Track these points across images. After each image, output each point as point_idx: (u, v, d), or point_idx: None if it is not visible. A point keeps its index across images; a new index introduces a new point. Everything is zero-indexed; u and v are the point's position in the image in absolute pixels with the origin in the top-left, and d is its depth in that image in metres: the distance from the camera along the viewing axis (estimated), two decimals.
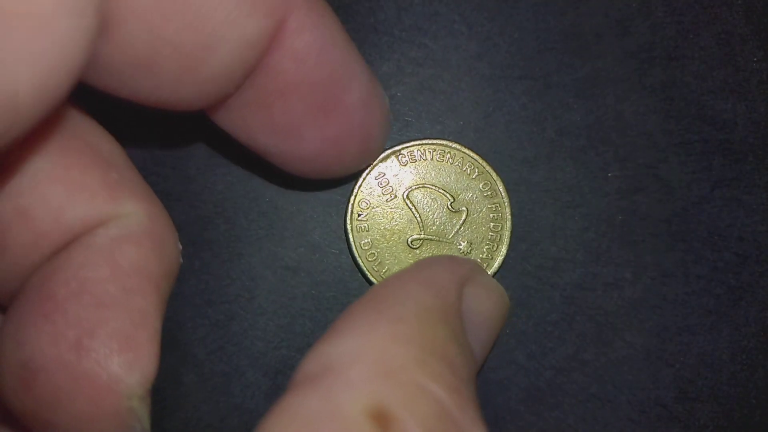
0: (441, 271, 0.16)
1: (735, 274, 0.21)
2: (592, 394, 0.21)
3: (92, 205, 0.15)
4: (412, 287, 0.15)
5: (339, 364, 0.13)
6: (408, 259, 0.20)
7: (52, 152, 0.15)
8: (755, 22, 0.21)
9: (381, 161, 0.20)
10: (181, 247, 0.17)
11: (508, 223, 0.20)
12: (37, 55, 0.11)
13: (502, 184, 0.20)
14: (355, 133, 0.17)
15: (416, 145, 0.20)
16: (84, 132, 0.16)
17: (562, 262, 0.21)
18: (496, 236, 0.20)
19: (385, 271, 0.20)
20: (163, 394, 0.21)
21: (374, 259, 0.20)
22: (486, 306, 0.16)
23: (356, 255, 0.20)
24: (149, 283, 0.15)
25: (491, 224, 0.20)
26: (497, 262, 0.20)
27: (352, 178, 0.20)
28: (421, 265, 0.16)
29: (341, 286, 0.21)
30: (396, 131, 0.21)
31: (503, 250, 0.20)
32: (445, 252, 0.20)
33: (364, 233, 0.20)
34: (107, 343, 0.14)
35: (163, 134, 0.21)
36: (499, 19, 0.21)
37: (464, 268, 0.16)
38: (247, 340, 0.21)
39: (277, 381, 0.21)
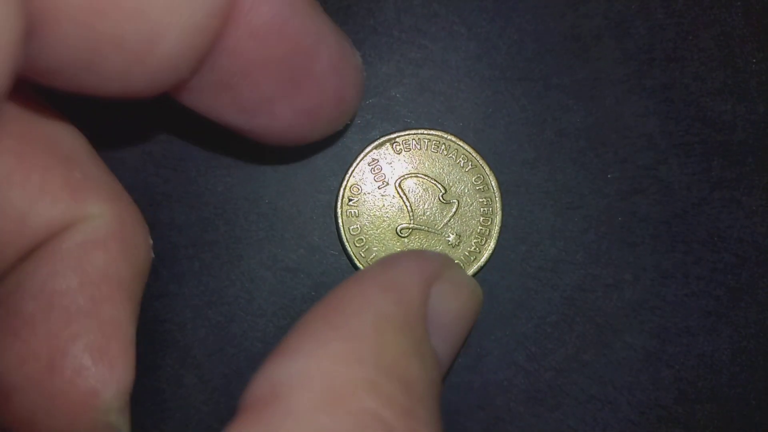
0: (405, 272, 0.15)
1: (735, 275, 0.21)
2: (592, 395, 0.21)
3: (55, 209, 0.15)
4: (371, 293, 0.14)
5: (286, 388, 0.12)
6: (396, 246, 0.20)
7: (7, 154, 0.14)
8: (754, 23, 0.21)
9: (375, 148, 0.20)
10: (152, 242, 0.16)
11: (498, 218, 0.20)
12: None
13: (494, 178, 0.20)
14: (328, 100, 0.16)
15: (411, 134, 0.20)
16: (42, 128, 0.15)
17: (562, 263, 0.21)
18: (486, 230, 0.20)
19: (373, 257, 0.20)
20: (163, 395, 0.21)
21: (362, 245, 0.20)
22: (455, 304, 0.16)
23: (344, 240, 0.20)
24: (119, 290, 0.15)
25: (481, 218, 0.20)
26: (485, 257, 0.20)
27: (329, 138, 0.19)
28: (385, 264, 0.15)
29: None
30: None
31: (491, 244, 0.20)
32: (433, 243, 0.20)
33: (354, 219, 0.20)
34: (80, 358, 0.14)
35: (163, 135, 0.21)
36: (498, 21, 0.21)
37: (432, 265, 0.15)
38: (247, 342, 0.21)
39: None
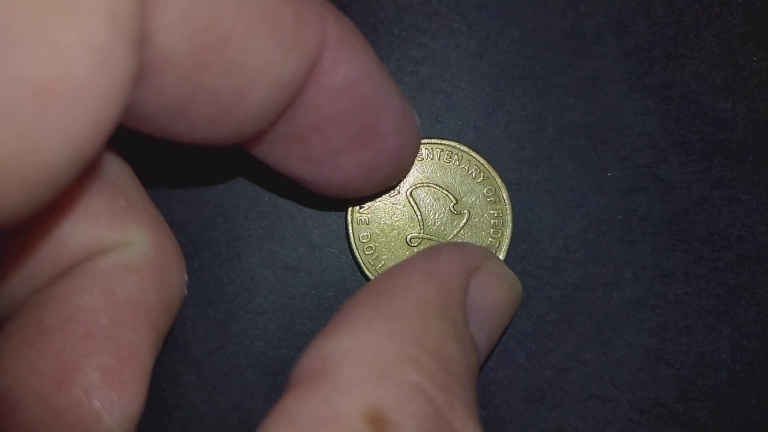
0: (447, 261, 0.16)
1: (735, 274, 0.21)
2: (592, 393, 0.21)
3: (96, 233, 0.15)
4: (414, 280, 0.15)
5: (336, 362, 0.13)
6: (405, 255, 0.20)
7: None
8: (755, 21, 0.21)
9: None
10: (187, 278, 0.16)
11: (509, 231, 0.20)
12: (76, 125, 0.10)
13: (506, 191, 0.20)
14: (389, 157, 0.17)
15: (425, 143, 0.20)
16: None
17: (562, 261, 0.21)
18: (495, 242, 0.20)
19: (381, 266, 0.20)
20: (163, 393, 0.21)
21: (371, 253, 0.20)
22: (495, 296, 0.16)
23: (354, 247, 0.20)
24: (144, 317, 0.14)
25: (491, 230, 0.20)
26: None
27: (384, 194, 0.20)
28: (428, 253, 0.16)
29: (341, 285, 0.21)
30: None
31: (501, 257, 0.20)
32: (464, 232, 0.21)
33: (364, 226, 0.20)
34: (91, 377, 0.13)
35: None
36: (498, 19, 0.21)
37: (473, 257, 0.16)
38: (247, 340, 0.21)
39: (277, 381, 0.21)
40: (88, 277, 0.14)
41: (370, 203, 0.20)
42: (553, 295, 0.21)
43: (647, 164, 0.21)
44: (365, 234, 0.20)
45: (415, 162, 0.20)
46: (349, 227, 0.20)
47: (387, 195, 0.20)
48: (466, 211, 0.20)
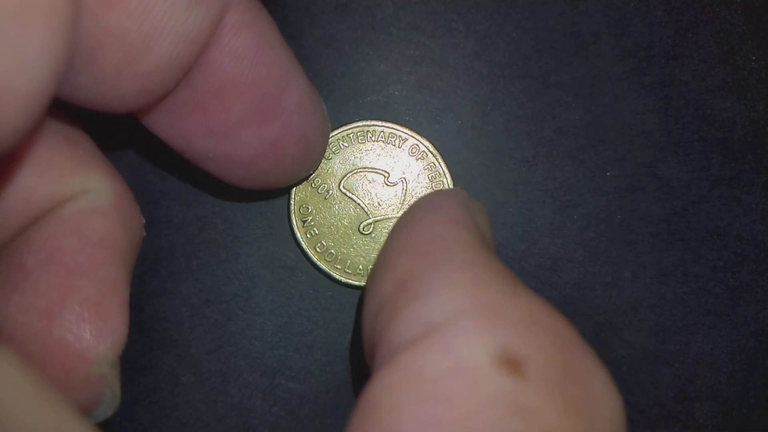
0: (453, 207, 0.16)
1: (734, 273, 0.21)
2: None
3: (61, 181, 0.16)
4: (444, 230, 0.15)
5: (441, 320, 0.12)
6: (366, 245, 0.20)
7: None
8: (754, 20, 0.21)
9: None
10: (144, 220, 0.17)
11: (448, 178, 0.20)
12: (52, 39, 0.11)
13: (428, 142, 0.20)
14: (293, 135, 0.17)
15: (334, 134, 0.20)
16: (49, 115, 0.16)
17: (561, 261, 0.21)
18: (439, 185, 0.20)
19: (349, 264, 0.20)
20: (161, 393, 0.21)
21: (333, 258, 0.20)
22: (485, 225, 0.16)
23: (316, 262, 0.20)
24: (117, 255, 0.15)
25: (432, 184, 0.20)
26: None
27: (292, 187, 0.20)
28: (430, 203, 0.16)
29: (339, 285, 0.21)
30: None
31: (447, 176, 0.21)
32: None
33: (316, 237, 0.20)
34: (78, 311, 0.14)
35: None
36: (497, 18, 0.21)
37: (462, 198, 0.16)
38: (245, 340, 0.21)
39: (275, 381, 0.21)
40: (60, 222, 0.15)
41: (311, 214, 0.20)
42: (552, 294, 0.21)
43: (646, 163, 0.21)
44: (321, 244, 0.20)
45: (333, 156, 0.20)
46: (303, 245, 0.20)
47: (322, 198, 0.20)
48: (400, 179, 0.21)
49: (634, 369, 0.21)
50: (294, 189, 0.20)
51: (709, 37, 0.21)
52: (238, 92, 0.16)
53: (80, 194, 0.16)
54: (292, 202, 0.20)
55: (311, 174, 0.20)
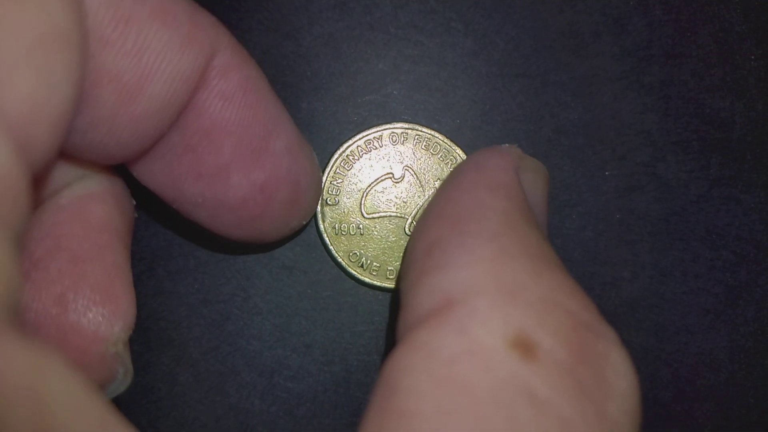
0: (498, 169, 0.15)
1: (733, 273, 0.21)
2: None
3: (58, 169, 0.16)
4: (483, 195, 0.14)
5: (461, 294, 0.12)
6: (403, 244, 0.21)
7: None
8: (753, 20, 0.21)
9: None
10: (134, 202, 0.18)
11: (458, 149, 0.21)
12: (71, 63, 0.12)
13: (410, 124, 0.21)
14: (283, 179, 0.17)
15: (325, 177, 0.20)
16: None
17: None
18: (449, 155, 0.21)
19: (382, 267, 0.21)
20: (159, 393, 0.21)
21: (370, 265, 0.21)
22: (539, 190, 0.16)
23: (384, 285, 0.21)
24: (117, 238, 0.16)
25: (440, 154, 0.21)
26: None
27: (286, 239, 0.20)
28: (473, 166, 0.16)
29: (337, 285, 0.21)
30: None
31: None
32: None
33: (374, 267, 0.20)
34: (90, 296, 0.15)
35: None
36: (495, 17, 0.21)
37: (513, 156, 0.16)
38: (243, 340, 0.21)
39: (273, 380, 0.21)
40: (61, 209, 0.16)
41: (359, 254, 0.20)
42: None
43: (645, 163, 0.21)
44: (374, 266, 0.21)
45: (339, 196, 0.20)
46: (362, 277, 0.21)
47: (358, 234, 0.20)
48: (404, 171, 0.21)
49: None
50: (334, 249, 0.20)
51: (708, 36, 0.21)
52: (227, 134, 0.16)
53: (77, 181, 0.16)
54: (340, 260, 0.20)
55: (304, 224, 0.19)
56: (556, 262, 0.14)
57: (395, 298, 0.21)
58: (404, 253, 0.14)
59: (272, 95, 0.17)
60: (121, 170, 0.17)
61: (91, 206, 0.16)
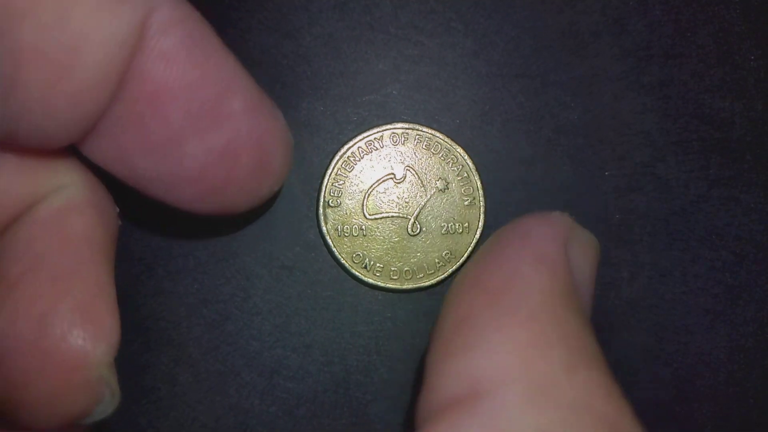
0: (544, 239, 0.14)
1: (733, 273, 0.21)
2: None
3: (34, 180, 0.15)
4: (524, 268, 0.13)
5: (488, 384, 0.12)
6: (423, 241, 0.21)
7: None
8: (753, 20, 0.21)
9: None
10: (118, 209, 0.17)
11: (458, 148, 0.20)
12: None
13: (410, 124, 0.20)
14: (244, 142, 0.15)
15: (325, 181, 0.20)
16: None
17: None
18: (450, 155, 0.20)
19: (407, 270, 0.21)
20: (158, 393, 0.21)
21: (389, 271, 0.21)
22: (588, 267, 0.15)
23: (393, 287, 0.21)
24: (99, 252, 0.15)
25: (441, 154, 0.21)
26: (477, 177, 0.21)
27: (258, 209, 0.18)
28: (520, 232, 0.14)
29: (337, 285, 0.21)
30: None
31: (473, 175, 0.20)
32: (438, 202, 0.20)
33: (378, 267, 0.20)
34: (70, 317, 0.14)
35: None
36: (495, 17, 0.21)
37: (563, 227, 0.15)
38: (243, 340, 0.21)
39: (273, 380, 0.21)
40: (37, 223, 0.15)
41: (362, 254, 0.20)
42: None
43: (645, 163, 0.21)
44: (378, 266, 0.21)
45: (341, 197, 0.20)
46: (366, 279, 0.20)
47: (361, 235, 0.20)
48: (405, 171, 0.21)
49: (633, 369, 0.21)
50: (337, 251, 0.20)
51: (708, 36, 0.21)
52: (174, 98, 0.14)
53: (54, 192, 0.15)
54: (343, 261, 0.20)
55: (276, 191, 0.18)
56: (595, 354, 0.13)
57: (399, 297, 0.21)
58: (436, 321, 0.14)
59: (224, 51, 0.15)
60: (104, 172, 0.16)
61: (69, 219, 0.15)
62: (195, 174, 0.15)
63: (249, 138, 0.15)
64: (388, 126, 0.21)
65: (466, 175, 0.21)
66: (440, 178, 0.21)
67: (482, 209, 0.21)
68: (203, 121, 0.15)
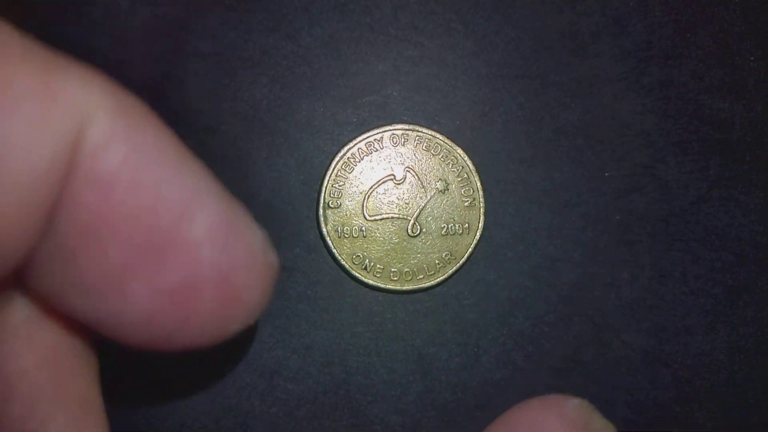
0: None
1: (733, 274, 0.21)
2: (590, 395, 0.21)
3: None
4: None
5: None
6: (423, 242, 0.21)
7: None
8: (753, 20, 0.21)
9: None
10: None
11: (458, 149, 0.21)
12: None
13: (410, 125, 0.20)
14: (205, 276, 0.12)
15: (325, 184, 0.20)
16: None
17: (560, 262, 0.21)
18: (450, 156, 0.20)
19: (406, 271, 0.21)
20: (159, 394, 0.20)
21: (389, 272, 0.21)
22: None
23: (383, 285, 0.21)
24: (77, 360, 0.13)
25: (441, 155, 0.21)
26: (477, 177, 0.21)
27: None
28: (529, 425, 0.14)
29: (337, 286, 0.21)
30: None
31: (475, 179, 0.21)
32: (438, 203, 0.20)
33: (378, 269, 0.20)
34: None
35: None
36: (495, 18, 0.21)
37: (578, 422, 0.14)
38: (242, 341, 0.21)
39: (273, 382, 0.21)
40: (9, 336, 0.13)
41: (361, 256, 0.20)
42: (551, 295, 0.21)
43: (645, 164, 0.21)
44: (378, 268, 0.21)
45: (341, 199, 0.20)
46: (366, 279, 0.20)
47: (361, 236, 0.20)
48: (405, 173, 0.21)
49: (632, 370, 0.21)
50: (337, 252, 0.20)
51: (708, 37, 0.21)
52: (113, 230, 0.12)
53: (16, 297, 0.13)
54: (343, 262, 0.20)
55: (255, 320, 0.15)
56: None
57: (399, 298, 0.21)
58: None
59: (184, 162, 0.12)
60: None
61: (39, 329, 0.13)
62: (142, 318, 0.12)
63: (212, 270, 0.12)
64: (388, 127, 0.21)
65: (466, 176, 0.21)
66: (440, 179, 0.21)
67: (482, 210, 0.21)
68: (150, 255, 0.12)
